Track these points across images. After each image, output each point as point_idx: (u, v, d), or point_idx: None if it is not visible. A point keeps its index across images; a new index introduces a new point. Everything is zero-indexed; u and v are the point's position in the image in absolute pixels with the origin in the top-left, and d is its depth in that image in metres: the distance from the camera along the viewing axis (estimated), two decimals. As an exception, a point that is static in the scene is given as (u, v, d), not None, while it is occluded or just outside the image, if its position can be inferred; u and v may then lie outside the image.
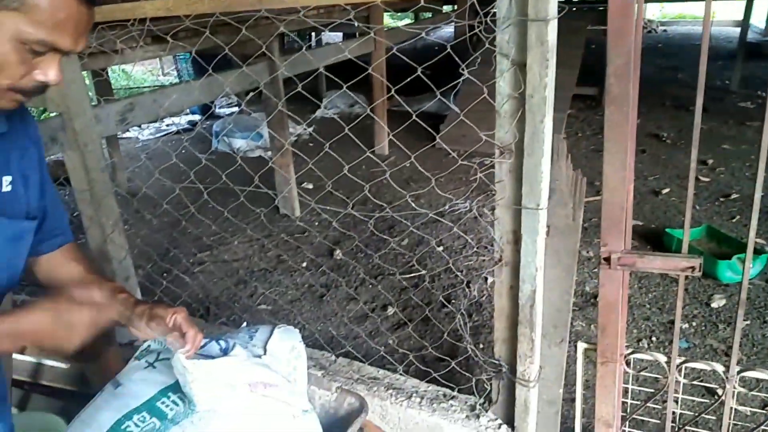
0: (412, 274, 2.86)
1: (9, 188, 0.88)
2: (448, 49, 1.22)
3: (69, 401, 2.04)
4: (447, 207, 3.41)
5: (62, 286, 0.99)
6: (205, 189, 2.12)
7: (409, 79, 1.72)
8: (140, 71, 9.44)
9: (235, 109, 7.02)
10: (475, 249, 2.98)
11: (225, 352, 1.06)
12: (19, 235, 0.90)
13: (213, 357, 1.03)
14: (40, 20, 0.71)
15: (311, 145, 5.35)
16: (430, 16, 7.31)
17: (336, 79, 1.82)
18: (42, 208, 0.97)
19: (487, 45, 1.19)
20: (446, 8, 7.68)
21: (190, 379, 0.92)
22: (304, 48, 3.73)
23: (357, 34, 4.85)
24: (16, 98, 0.78)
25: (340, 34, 8.69)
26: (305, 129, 5.68)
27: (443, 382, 1.64)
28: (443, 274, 2.84)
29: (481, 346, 2.31)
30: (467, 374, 1.70)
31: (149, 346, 1.13)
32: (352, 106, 6.27)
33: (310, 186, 4.19)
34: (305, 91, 1.87)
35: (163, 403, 0.98)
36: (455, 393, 1.61)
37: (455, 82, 1.67)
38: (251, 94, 5.98)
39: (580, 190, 1.32)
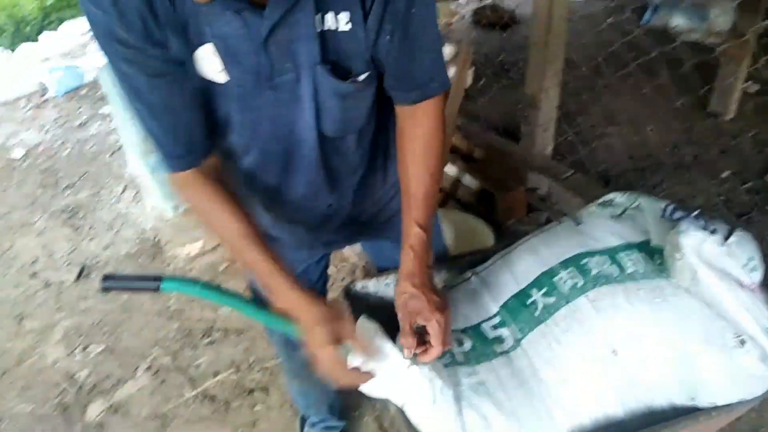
0: None
1: (347, 27, 0.83)
2: None
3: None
4: None
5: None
6: (625, 63, 1.90)
7: None
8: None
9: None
10: None
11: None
12: (343, 94, 0.89)
13: (710, 232, 0.94)
14: None
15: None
16: None
17: None
18: (398, 60, 0.89)
19: None
20: None
21: (678, 256, 0.88)
22: None
23: None
24: None
25: None
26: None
27: None
28: None
29: None
30: None
31: (613, 199, 1.13)
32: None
33: (754, 89, 3.48)
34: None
35: (626, 255, 0.97)
36: None
37: None
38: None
39: None
